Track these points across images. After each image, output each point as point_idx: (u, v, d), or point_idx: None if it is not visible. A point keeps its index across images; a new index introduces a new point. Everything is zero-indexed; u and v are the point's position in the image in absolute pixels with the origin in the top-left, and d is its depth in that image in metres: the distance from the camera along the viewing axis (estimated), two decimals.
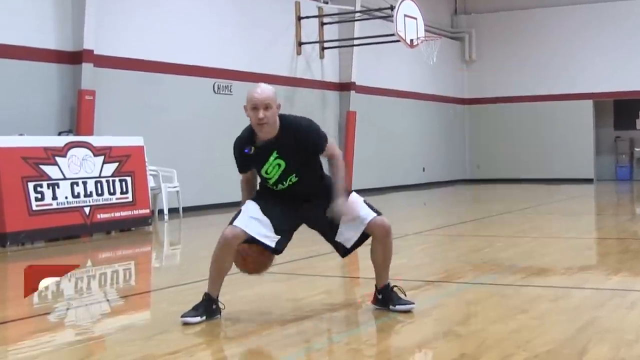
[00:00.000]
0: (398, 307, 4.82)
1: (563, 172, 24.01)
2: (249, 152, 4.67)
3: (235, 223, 4.62)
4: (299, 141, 4.61)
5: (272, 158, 4.63)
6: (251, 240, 4.61)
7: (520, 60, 24.65)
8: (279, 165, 4.64)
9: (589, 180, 23.72)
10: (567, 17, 23.97)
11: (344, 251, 4.83)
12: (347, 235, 4.73)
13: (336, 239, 4.77)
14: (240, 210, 4.71)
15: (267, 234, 4.62)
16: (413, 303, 4.89)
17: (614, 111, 24.70)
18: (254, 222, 4.62)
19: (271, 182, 4.71)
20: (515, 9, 24.73)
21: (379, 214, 4.74)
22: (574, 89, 23.92)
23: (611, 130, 24.80)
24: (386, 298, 4.86)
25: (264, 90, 4.54)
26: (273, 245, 4.64)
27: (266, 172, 4.68)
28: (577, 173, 23.88)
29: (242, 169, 4.86)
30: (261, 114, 4.48)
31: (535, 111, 24.57)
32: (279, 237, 4.66)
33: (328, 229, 4.76)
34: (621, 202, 17.51)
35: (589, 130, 24.21)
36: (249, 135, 4.69)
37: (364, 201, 4.78)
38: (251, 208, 4.70)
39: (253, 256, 4.64)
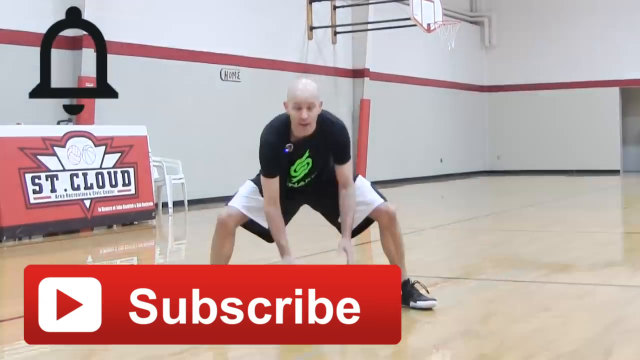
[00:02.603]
0: (419, 304, 4.84)
1: (588, 163, 24.03)
2: (288, 151, 4.61)
3: (231, 204, 4.70)
4: (330, 141, 4.65)
5: (304, 157, 4.65)
6: (248, 223, 4.70)
7: (543, 46, 24.60)
8: (308, 163, 4.68)
9: (615, 172, 23.70)
10: None
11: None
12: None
13: (339, 220, 4.79)
14: (237, 191, 4.78)
15: (262, 215, 4.66)
16: (435, 300, 4.90)
17: None
18: (249, 201, 4.69)
19: (294, 179, 4.73)
20: None
21: (385, 200, 4.81)
22: (600, 75, 23.86)
23: (639, 119, 24.73)
24: (406, 294, 4.83)
25: (307, 88, 4.49)
26: (267, 226, 4.67)
27: (294, 170, 4.69)
28: (603, 164, 23.87)
29: (274, 171, 4.62)
30: (304, 114, 4.44)
31: (559, 99, 24.54)
32: None
33: (332, 210, 4.81)
34: None
35: (616, 119, 24.18)
36: (284, 132, 4.60)
37: (371, 185, 4.87)
38: (248, 188, 4.76)
39: None
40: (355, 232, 4.83)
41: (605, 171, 23.35)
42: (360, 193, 4.78)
